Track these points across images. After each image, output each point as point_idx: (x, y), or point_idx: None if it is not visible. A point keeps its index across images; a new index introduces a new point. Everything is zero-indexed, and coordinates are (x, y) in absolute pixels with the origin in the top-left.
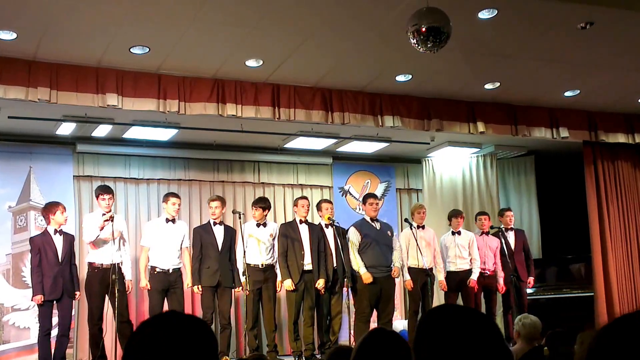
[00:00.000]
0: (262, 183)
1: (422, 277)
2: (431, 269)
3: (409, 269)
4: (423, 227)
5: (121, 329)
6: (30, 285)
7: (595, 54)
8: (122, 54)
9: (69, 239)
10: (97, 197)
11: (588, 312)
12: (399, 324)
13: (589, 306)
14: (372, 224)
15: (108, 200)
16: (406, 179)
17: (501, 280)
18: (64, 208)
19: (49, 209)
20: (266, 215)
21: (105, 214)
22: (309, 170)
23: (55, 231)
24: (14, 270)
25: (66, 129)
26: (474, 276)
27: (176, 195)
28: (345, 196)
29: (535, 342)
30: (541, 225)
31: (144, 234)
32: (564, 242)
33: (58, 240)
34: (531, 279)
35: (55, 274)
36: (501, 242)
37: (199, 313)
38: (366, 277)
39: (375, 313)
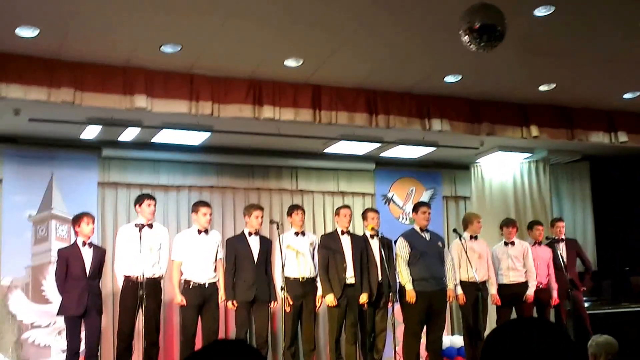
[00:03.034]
0: (301, 190)
1: (473, 292)
2: (483, 282)
3: (460, 282)
4: (475, 237)
5: (148, 351)
6: (51, 300)
7: None
8: (151, 53)
9: (100, 252)
10: (139, 204)
11: None
12: (446, 340)
13: None
14: (422, 234)
15: (154, 206)
16: (453, 186)
17: (555, 293)
18: (91, 219)
19: (74, 220)
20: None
21: (142, 225)
22: (350, 177)
23: (84, 243)
24: (33, 284)
25: (91, 133)
26: (531, 291)
27: (207, 205)
28: (388, 204)
29: None
30: (596, 236)
31: (175, 246)
32: (621, 253)
33: (87, 253)
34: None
35: (80, 289)
36: (554, 253)
37: (232, 330)
38: (411, 295)
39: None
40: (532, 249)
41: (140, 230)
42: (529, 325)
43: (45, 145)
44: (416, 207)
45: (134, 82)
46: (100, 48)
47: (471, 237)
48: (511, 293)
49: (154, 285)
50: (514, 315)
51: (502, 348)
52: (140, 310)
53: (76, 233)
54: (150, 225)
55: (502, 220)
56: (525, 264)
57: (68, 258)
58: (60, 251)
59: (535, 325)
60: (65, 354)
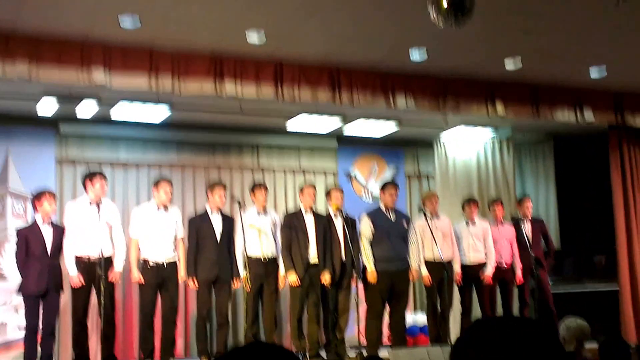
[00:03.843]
0: (262, 168)
1: (438, 271)
2: (449, 261)
3: (425, 262)
4: (438, 216)
5: (106, 331)
6: (8, 277)
7: (627, 31)
8: (110, 27)
9: (59, 231)
10: (90, 180)
11: (612, 307)
12: (409, 318)
13: (613, 301)
14: (387, 214)
15: (106, 185)
16: (416, 164)
17: (519, 271)
18: (53, 197)
19: (36, 198)
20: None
21: (92, 202)
22: (312, 154)
23: (44, 222)
24: None
25: (48, 109)
26: (488, 271)
27: (168, 182)
28: (351, 182)
29: (582, 349)
30: (559, 214)
31: (132, 222)
32: (584, 232)
33: (47, 232)
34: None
35: (41, 268)
36: (519, 232)
37: (193, 309)
38: (372, 275)
39: (387, 308)
40: (494, 228)
41: (97, 207)
42: (508, 324)
43: (1, 121)
44: (384, 187)
45: (92, 57)
46: (57, 21)
47: (432, 216)
48: (471, 273)
49: (106, 263)
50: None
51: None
52: (96, 290)
53: (35, 210)
54: (99, 202)
55: (464, 198)
56: (485, 244)
57: (28, 237)
58: (19, 231)
59: (515, 325)
60: (21, 331)
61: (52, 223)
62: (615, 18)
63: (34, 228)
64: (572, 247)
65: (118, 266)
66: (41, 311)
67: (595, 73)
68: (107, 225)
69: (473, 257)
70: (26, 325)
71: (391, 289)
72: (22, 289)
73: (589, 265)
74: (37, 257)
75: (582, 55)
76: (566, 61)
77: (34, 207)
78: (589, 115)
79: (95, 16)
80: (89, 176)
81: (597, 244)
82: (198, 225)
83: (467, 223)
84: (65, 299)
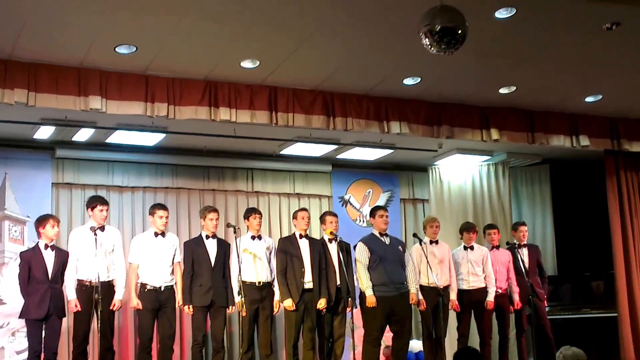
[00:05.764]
0: (256, 192)
1: (433, 297)
2: (445, 287)
3: (420, 287)
4: (437, 242)
5: (104, 356)
6: (5, 301)
7: (621, 57)
8: (106, 54)
9: (62, 255)
10: (92, 208)
11: (611, 334)
12: None
13: (611, 328)
14: (382, 238)
15: (106, 212)
16: (411, 189)
17: (516, 297)
18: (56, 221)
19: (40, 222)
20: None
21: (95, 228)
22: (306, 179)
23: (47, 246)
24: None
25: (45, 133)
26: (490, 297)
27: (163, 208)
28: (346, 206)
29: None
30: (556, 240)
31: (132, 249)
32: (581, 257)
33: (49, 256)
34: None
35: (42, 292)
36: (514, 257)
37: (189, 334)
38: (371, 300)
39: (390, 335)
40: (490, 253)
41: (94, 233)
42: None
43: None
44: (373, 212)
45: (88, 83)
46: (54, 49)
47: (431, 241)
48: (471, 299)
49: (107, 288)
50: (473, 321)
51: None
52: (95, 314)
53: (39, 235)
54: (102, 228)
55: (462, 224)
56: (485, 270)
57: (30, 261)
58: (22, 254)
59: None
60: (19, 355)
61: (54, 247)
62: (608, 45)
63: (36, 252)
64: (569, 273)
65: (119, 293)
66: (43, 335)
67: (590, 98)
68: (108, 251)
69: (472, 282)
70: (29, 349)
71: (390, 314)
72: (24, 313)
73: (586, 291)
74: (38, 281)
75: (577, 81)
76: (561, 87)
77: (37, 232)
78: (584, 141)
79: (92, 45)
80: (89, 203)
81: (594, 269)
82: (193, 249)
83: (465, 248)
84: (64, 323)
